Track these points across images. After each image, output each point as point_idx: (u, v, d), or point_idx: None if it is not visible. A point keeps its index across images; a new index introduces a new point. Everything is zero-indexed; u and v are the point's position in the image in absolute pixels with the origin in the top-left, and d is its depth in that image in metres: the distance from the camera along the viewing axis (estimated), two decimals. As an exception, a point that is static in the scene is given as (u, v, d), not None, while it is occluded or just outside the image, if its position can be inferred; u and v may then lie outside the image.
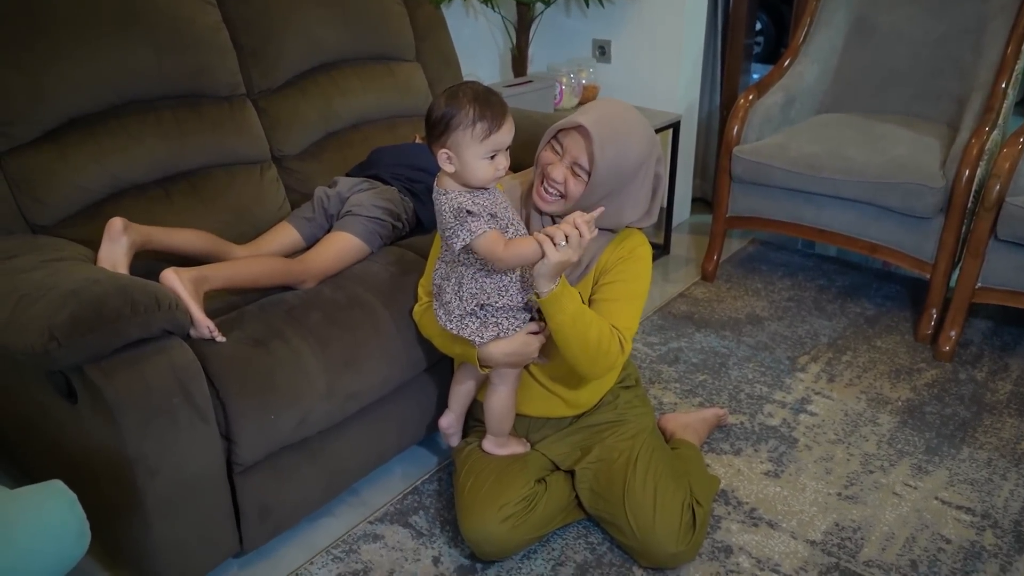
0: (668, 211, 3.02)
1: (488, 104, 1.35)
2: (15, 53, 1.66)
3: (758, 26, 6.18)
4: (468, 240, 1.37)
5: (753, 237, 3.17)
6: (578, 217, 1.36)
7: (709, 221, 2.84)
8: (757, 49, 6.26)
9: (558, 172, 1.49)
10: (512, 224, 1.45)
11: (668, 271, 2.94)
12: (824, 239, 2.57)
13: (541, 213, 1.56)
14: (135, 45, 1.82)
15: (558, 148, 1.50)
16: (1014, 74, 2.45)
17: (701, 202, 3.49)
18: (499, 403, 1.65)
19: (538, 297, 1.44)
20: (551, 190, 1.51)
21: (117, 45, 1.79)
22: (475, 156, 1.36)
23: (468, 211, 1.37)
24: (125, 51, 1.81)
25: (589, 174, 1.46)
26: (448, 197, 1.40)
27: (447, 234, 1.41)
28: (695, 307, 2.66)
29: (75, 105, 1.75)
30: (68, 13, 1.74)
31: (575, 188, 1.48)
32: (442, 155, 1.38)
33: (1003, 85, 2.39)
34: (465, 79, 2.68)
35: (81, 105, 1.76)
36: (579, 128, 1.45)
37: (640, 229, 1.63)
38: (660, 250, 3.06)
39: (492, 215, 1.39)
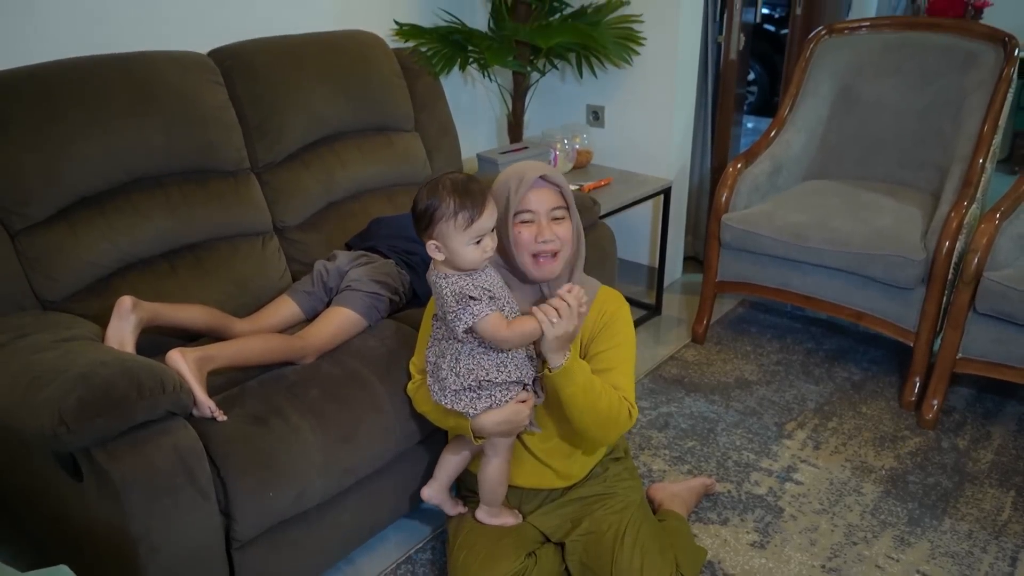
0: (660, 271, 3.10)
1: (468, 193, 1.43)
2: (33, 137, 1.74)
3: (752, 76, 6.30)
4: (472, 323, 1.44)
5: (743, 298, 3.24)
6: (562, 291, 1.45)
7: (700, 280, 2.90)
8: (751, 99, 6.38)
9: (547, 230, 1.54)
10: (508, 303, 1.52)
11: (660, 332, 3.00)
12: (811, 305, 2.64)
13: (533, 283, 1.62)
14: (147, 125, 1.90)
15: (527, 218, 1.55)
16: (991, 149, 2.53)
17: (693, 260, 3.57)
18: (493, 474, 1.70)
19: (550, 371, 1.50)
20: (546, 250, 1.55)
21: (130, 125, 1.88)
22: (461, 244, 1.44)
23: (470, 296, 1.44)
24: (137, 131, 1.89)
25: (567, 207, 1.55)
26: (448, 281, 1.47)
27: (449, 317, 1.47)
28: (685, 370, 2.71)
29: (87, 184, 1.83)
30: (85, 96, 1.82)
31: (565, 230, 1.56)
32: (431, 245, 1.46)
33: (980, 160, 2.48)
34: (461, 144, 2.78)
35: (93, 184, 1.84)
36: (533, 184, 1.54)
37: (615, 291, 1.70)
38: (652, 310, 3.13)
39: (491, 296, 1.46)
